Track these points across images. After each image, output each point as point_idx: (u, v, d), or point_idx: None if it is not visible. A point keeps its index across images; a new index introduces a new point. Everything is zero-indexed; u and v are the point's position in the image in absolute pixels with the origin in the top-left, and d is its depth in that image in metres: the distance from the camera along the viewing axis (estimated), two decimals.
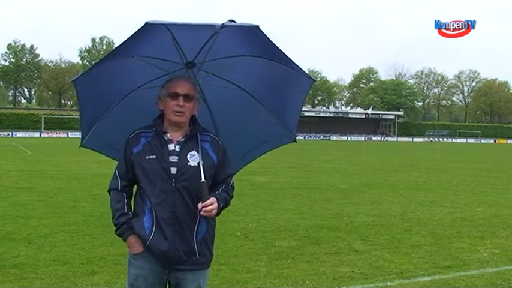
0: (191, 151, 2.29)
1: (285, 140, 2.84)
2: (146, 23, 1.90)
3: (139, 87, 2.51)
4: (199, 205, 2.18)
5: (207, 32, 2.09)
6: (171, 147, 2.29)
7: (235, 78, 2.55)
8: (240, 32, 2.14)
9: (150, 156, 2.26)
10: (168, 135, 2.32)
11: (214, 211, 2.21)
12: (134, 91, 2.51)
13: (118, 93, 2.50)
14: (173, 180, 2.23)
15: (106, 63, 2.30)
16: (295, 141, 2.82)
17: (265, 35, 2.06)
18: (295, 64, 2.40)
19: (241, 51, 2.36)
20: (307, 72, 2.62)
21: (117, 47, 2.12)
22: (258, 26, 1.98)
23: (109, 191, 2.38)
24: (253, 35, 2.07)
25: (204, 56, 2.32)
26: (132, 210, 2.36)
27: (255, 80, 2.59)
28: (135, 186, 2.38)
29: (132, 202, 2.39)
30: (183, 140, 2.31)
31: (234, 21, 2.01)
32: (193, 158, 2.27)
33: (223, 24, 1.96)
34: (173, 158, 2.26)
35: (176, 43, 2.22)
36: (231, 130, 2.69)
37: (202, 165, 2.25)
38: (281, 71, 2.45)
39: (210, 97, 2.63)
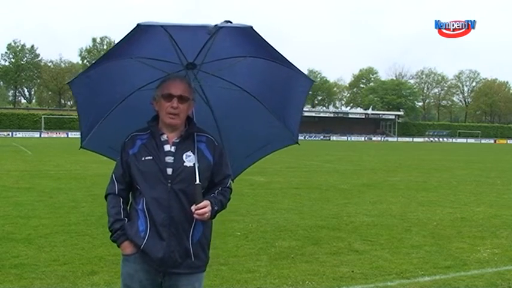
0: (187, 152, 2.26)
1: (288, 142, 2.82)
2: (138, 25, 1.87)
3: (139, 88, 2.49)
4: (193, 207, 2.15)
5: (205, 33, 2.08)
6: (167, 147, 2.26)
7: (237, 79, 2.54)
8: (239, 33, 2.13)
9: (147, 158, 2.23)
10: (165, 136, 2.29)
11: (207, 214, 2.17)
12: (135, 92, 2.50)
13: (118, 95, 2.49)
14: (169, 181, 2.20)
15: (103, 65, 2.29)
16: (297, 143, 2.80)
17: (260, 36, 2.05)
18: (294, 65, 2.39)
19: (241, 52, 2.34)
20: (306, 73, 2.63)
21: (113, 48, 2.10)
22: (251, 27, 1.96)
23: (106, 196, 2.35)
24: (252, 36, 2.06)
25: (203, 57, 2.31)
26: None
27: (256, 81, 2.58)
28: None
29: (129, 207, 2.36)
30: (178, 140, 2.29)
31: (230, 22, 1.99)
32: (189, 159, 2.24)
33: (216, 25, 1.93)
34: (169, 159, 2.24)
35: (175, 44, 2.21)
36: (233, 131, 2.68)
37: (198, 167, 2.21)
38: (281, 72, 2.44)
39: (212, 98, 2.62)
